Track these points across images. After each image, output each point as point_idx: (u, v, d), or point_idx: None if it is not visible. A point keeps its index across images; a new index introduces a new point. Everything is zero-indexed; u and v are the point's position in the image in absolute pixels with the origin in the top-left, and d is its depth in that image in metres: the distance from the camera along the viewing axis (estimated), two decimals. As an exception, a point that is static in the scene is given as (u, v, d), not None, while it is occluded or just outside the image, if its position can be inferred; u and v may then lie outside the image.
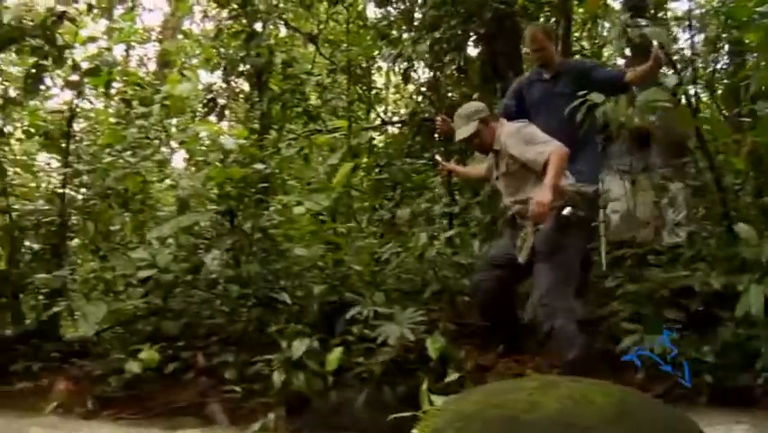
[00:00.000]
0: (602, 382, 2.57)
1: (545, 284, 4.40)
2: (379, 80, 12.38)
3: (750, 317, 3.87)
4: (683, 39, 8.61)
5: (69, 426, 4.86)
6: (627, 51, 5.75)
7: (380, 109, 11.35)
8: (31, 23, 6.44)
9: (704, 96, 8.39)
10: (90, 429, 4.88)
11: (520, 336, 5.06)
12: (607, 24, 12.10)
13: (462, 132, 4.82)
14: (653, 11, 7.06)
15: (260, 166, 6.40)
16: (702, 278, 4.42)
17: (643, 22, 4.44)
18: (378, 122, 10.57)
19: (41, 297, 7.16)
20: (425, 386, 2.78)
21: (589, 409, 2.20)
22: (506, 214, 5.01)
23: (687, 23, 7.18)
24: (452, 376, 4.58)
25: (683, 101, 5.15)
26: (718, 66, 8.21)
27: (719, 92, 8.23)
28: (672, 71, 4.81)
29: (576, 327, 4.34)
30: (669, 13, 8.96)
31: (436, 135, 7.93)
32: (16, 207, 7.59)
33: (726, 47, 8.44)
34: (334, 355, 4.92)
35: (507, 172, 4.73)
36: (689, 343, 4.10)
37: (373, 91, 10.87)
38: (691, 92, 5.54)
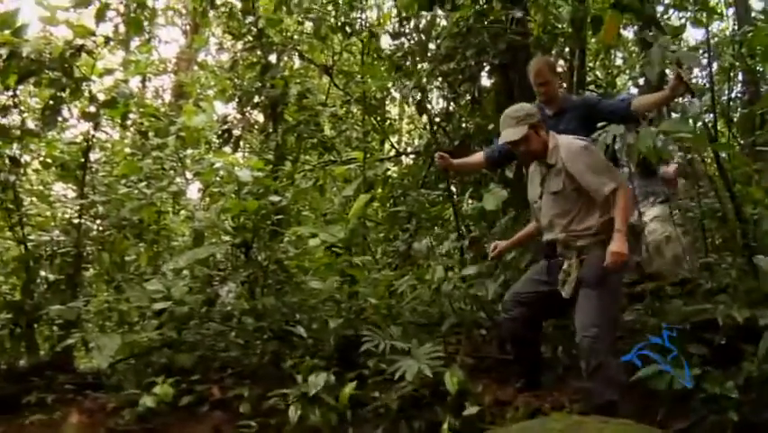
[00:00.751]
0: (627, 423, 2.53)
1: (593, 317, 4.14)
2: (393, 110, 12.43)
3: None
4: (698, 68, 8.60)
5: (83, 460, 4.81)
6: (641, 81, 5.76)
7: (395, 140, 11.38)
8: (49, 56, 6.50)
9: (719, 125, 8.38)
10: (103, 464, 4.84)
11: (539, 371, 4.98)
12: (620, 54, 12.18)
13: (510, 134, 4.42)
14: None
15: (275, 198, 6.40)
16: (725, 311, 4.34)
17: (672, 47, 4.37)
18: (392, 153, 10.59)
19: (55, 328, 7.17)
20: (445, 425, 2.71)
21: (618, 451, 2.15)
22: (540, 242, 4.74)
23: (702, 51, 7.16)
24: (471, 410, 4.50)
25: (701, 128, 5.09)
26: (733, 94, 8.19)
27: (735, 120, 8.21)
28: (692, 98, 4.76)
29: (619, 367, 4.18)
30: (683, 43, 8.96)
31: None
32: (32, 237, 7.62)
33: (741, 76, 8.44)
34: (348, 389, 4.87)
35: (560, 192, 4.38)
36: (712, 379, 4.02)
37: (387, 122, 10.90)
38: (709, 119, 5.49)
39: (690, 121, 4.44)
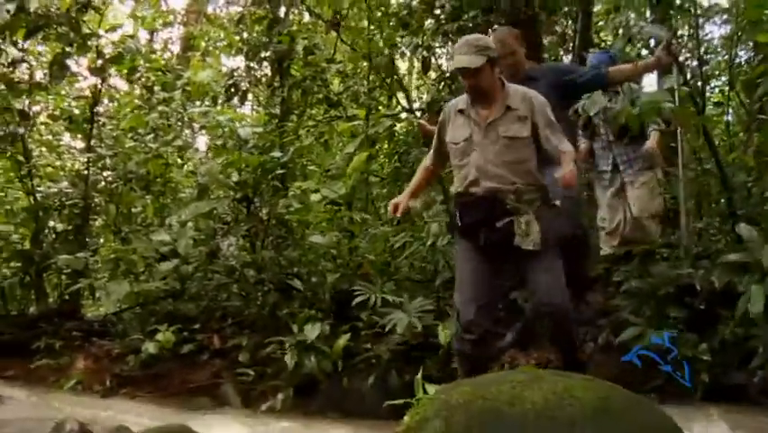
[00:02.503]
0: (588, 378, 2.66)
1: (561, 279, 3.85)
2: (402, 66, 12.41)
3: (749, 316, 3.93)
4: (708, 32, 8.57)
5: (88, 402, 5.04)
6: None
7: (402, 96, 11.39)
8: (56, 11, 6.60)
9: (726, 89, 8.40)
10: (108, 406, 5.06)
11: (527, 329, 5.07)
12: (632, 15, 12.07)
13: (464, 60, 3.91)
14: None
15: (277, 153, 6.52)
16: (705, 276, 4.44)
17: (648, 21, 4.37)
18: (398, 109, 10.62)
19: (63, 276, 7.40)
20: (419, 375, 2.88)
21: (572, 404, 2.28)
22: (468, 195, 4.01)
23: (712, 16, 7.13)
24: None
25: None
26: (737, 60, 8.17)
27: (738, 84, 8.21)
28: (678, 71, 4.77)
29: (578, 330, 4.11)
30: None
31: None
32: (41, 188, 7.81)
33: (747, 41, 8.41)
34: (342, 340, 5.05)
35: (519, 139, 3.90)
36: (687, 341, 4.15)
37: (395, 78, 10.91)
38: (699, 90, 5.53)
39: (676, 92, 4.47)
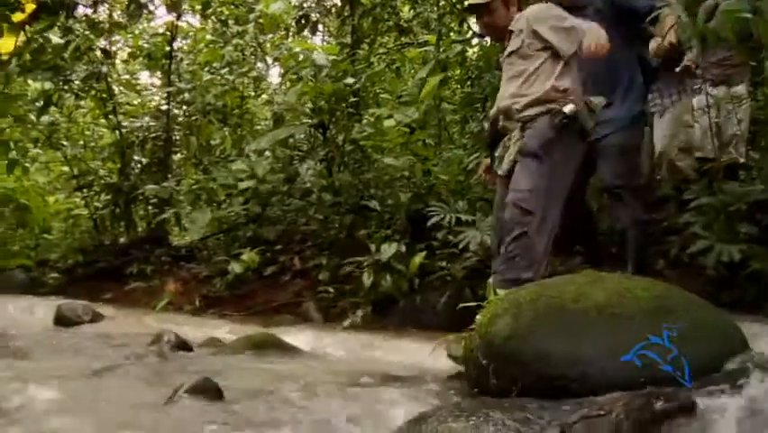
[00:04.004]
0: (650, 280, 2.71)
1: (526, 183, 3.45)
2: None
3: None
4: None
5: (179, 319, 5.32)
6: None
7: (473, 21, 11.23)
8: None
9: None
10: (197, 323, 5.34)
11: (599, 247, 5.03)
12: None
13: None
14: None
15: (351, 80, 6.60)
16: (774, 193, 4.35)
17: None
18: (469, 34, 10.52)
19: (150, 207, 7.74)
20: (490, 280, 2.96)
21: (632, 302, 2.37)
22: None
23: None
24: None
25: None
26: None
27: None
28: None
29: (546, 251, 3.56)
30: None
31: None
32: (125, 124, 8.11)
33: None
34: (417, 258, 5.17)
35: (516, 51, 3.63)
36: (758, 255, 4.10)
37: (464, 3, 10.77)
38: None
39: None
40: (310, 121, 6.71)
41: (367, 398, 2.43)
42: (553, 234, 3.57)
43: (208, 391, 2.36)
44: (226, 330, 4.90)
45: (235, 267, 5.67)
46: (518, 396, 2.19)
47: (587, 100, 3.62)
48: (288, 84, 7.81)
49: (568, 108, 3.50)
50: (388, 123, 6.48)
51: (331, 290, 5.49)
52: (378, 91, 8.42)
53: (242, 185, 6.38)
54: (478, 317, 2.69)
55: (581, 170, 4.04)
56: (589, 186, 4.57)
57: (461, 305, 2.90)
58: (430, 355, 3.34)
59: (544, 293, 2.52)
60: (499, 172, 3.59)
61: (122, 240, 7.66)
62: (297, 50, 7.30)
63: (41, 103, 7.55)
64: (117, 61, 8.92)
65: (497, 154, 3.68)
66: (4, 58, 6.70)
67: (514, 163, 3.55)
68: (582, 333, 2.29)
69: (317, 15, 9.02)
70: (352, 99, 6.77)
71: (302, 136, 6.81)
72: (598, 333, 2.28)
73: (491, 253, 3.97)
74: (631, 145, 4.36)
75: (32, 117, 7.76)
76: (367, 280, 5.17)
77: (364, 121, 6.81)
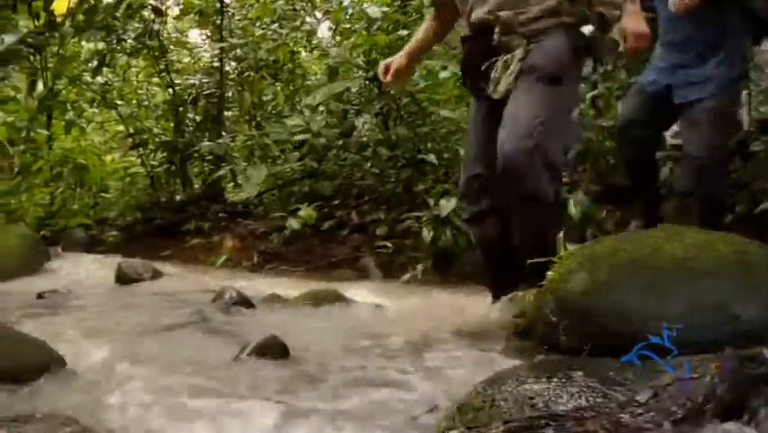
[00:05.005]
0: (731, 235, 2.59)
1: (538, 109, 2.79)
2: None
3: None
4: None
5: (238, 276, 5.34)
6: None
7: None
8: None
9: None
10: (256, 279, 5.35)
11: (659, 201, 4.83)
12: None
13: None
14: None
15: (404, 32, 6.47)
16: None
17: None
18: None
19: (205, 163, 7.77)
20: (561, 234, 2.79)
21: (710, 256, 2.26)
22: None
23: None
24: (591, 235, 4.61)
25: None
26: None
27: None
28: None
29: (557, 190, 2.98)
30: None
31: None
32: (177, 81, 8.11)
33: None
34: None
35: None
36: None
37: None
38: None
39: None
40: (365, 74, 6.61)
41: (437, 355, 2.37)
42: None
43: (275, 348, 2.32)
44: (286, 286, 4.87)
45: (293, 223, 5.65)
46: (590, 355, 2.12)
47: (602, 12, 2.92)
48: (340, 38, 7.71)
49: (587, 29, 2.93)
50: (443, 74, 6.35)
51: (389, 244, 5.44)
52: (431, 43, 8.25)
53: (297, 138, 6.35)
54: (549, 273, 2.61)
55: (654, 125, 3.92)
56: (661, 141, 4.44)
57: (529, 261, 2.80)
58: (494, 311, 3.27)
59: (619, 247, 2.42)
60: (495, 96, 2.90)
61: (178, 197, 7.69)
62: (347, 2, 7.20)
63: (95, 63, 7.58)
64: (168, 19, 8.89)
65: (493, 75, 2.92)
66: (59, 19, 6.71)
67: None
68: (662, 289, 2.20)
69: (368, -34, 8.85)
70: (406, 51, 6.63)
71: (356, 90, 6.71)
72: (679, 289, 2.18)
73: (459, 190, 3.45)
74: (726, 113, 4.05)
75: (87, 78, 7.79)
76: (426, 235, 5.10)
77: (417, 73, 6.68)
